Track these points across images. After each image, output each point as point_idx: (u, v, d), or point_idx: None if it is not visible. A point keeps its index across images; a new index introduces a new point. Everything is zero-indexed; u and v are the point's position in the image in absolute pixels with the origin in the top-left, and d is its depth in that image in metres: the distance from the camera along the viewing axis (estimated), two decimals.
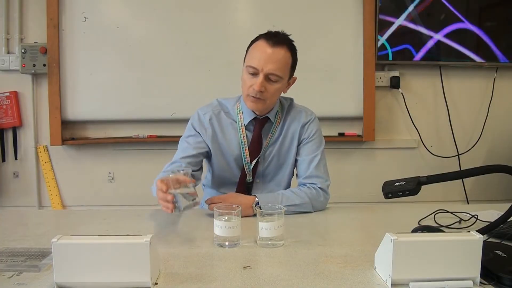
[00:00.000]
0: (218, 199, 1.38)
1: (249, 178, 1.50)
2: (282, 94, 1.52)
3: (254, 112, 1.45)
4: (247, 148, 1.47)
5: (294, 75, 1.47)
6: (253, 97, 1.37)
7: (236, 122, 1.48)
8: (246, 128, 1.47)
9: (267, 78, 1.35)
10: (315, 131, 1.51)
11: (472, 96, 2.80)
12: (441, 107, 2.78)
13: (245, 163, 1.48)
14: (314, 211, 1.42)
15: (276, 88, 1.38)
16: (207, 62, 2.56)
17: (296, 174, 1.55)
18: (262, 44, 1.35)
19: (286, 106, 1.53)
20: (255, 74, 1.35)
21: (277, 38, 1.36)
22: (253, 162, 1.47)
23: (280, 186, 1.53)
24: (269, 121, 1.48)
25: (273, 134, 1.49)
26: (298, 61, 1.46)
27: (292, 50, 1.40)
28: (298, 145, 1.51)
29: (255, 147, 1.48)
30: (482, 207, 1.42)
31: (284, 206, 1.12)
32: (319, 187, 1.45)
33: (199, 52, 2.55)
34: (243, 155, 1.47)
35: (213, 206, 1.21)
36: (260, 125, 1.47)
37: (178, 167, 1.39)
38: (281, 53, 1.35)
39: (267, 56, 1.33)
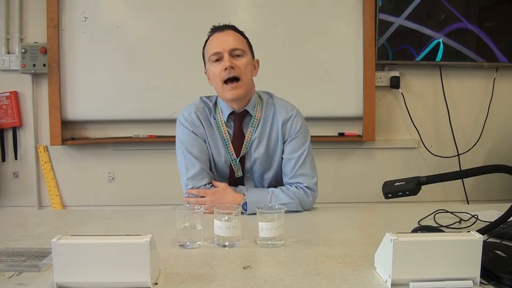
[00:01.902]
0: (205, 193, 1.40)
1: (238, 174, 1.50)
2: (262, 89, 1.53)
3: (231, 107, 1.46)
4: (231, 145, 1.47)
5: (256, 58, 1.50)
6: (229, 81, 1.38)
7: (216, 119, 1.48)
8: (226, 125, 1.47)
9: (232, 55, 1.39)
10: (298, 127, 1.48)
11: (472, 96, 2.80)
12: (441, 107, 2.78)
13: (232, 160, 1.48)
14: (304, 210, 1.43)
15: (244, 62, 1.41)
16: None
17: (282, 172, 1.52)
18: (213, 36, 1.45)
19: (266, 100, 1.52)
20: (219, 59, 1.40)
21: (222, 26, 1.46)
22: (238, 158, 1.47)
23: (271, 181, 1.53)
24: (248, 115, 1.48)
25: (254, 128, 1.48)
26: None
27: (240, 31, 1.47)
28: (284, 143, 1.50)
29: (238, 142, 1.48)
30: (482, 207, 1.42)
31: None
32: (306, 186, 1.44)
33: (199, 52, 2.53)
34: (228, 152, 1.47)
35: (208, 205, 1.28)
36: (239, 120, 1.47)
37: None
38: (233, 33, 1.44)
39: (223, 39, 1.41)
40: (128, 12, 2.61)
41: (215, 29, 1.46)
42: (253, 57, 1.49)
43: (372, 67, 2.64)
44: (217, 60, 1.40)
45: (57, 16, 2.53)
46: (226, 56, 1.38)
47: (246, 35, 1.49)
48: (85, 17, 2.56)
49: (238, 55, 1.41)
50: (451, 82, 2.78)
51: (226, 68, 1.37)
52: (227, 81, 1.39)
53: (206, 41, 1.48)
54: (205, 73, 1.50)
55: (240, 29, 1.49)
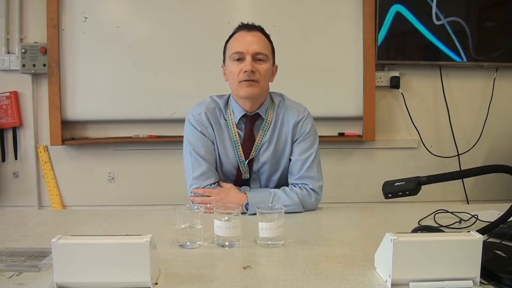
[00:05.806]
0: (210, 192, 1.40)
1: (245, 176, 1.50)
2: (271, 90, 1.52)
3: (244, 108, 1.45)
4: (240, 147, 1.46)
5: (276, 64, 1.49)
6: (246, 81, 1.37)
7: (227, 120, 1.47)
8: (237, 126, 1.46)
9: (254, 58, 1.38)
10: (309, 129, 1.48)
11: (472, 96, 2.80)
12: (441, 107, 2.78)
13: (240, 162, 1.47)
14: (305, 211, 1.42)
15: (265, 68, 1.40)
16: (207, 62, 2.56)
17: (288, 172, 1.52)
18: (240, 33, 1.42)
19: (277, 103, 1.51)
20: (241, 59, 1.39)
21: (251, 26, 1.44)
22: (247, 161, 1.47)
23: (278, 182, 1.53)
24: (259, 118, 1.47)
25: (264, 131, 1.47)
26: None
27: (267, 35, 1.47)
28: (293, 143, 1.49)
29: (248, 145, 1.47)
30: (482, 207, 1.42)
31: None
32: (311, 188, 1.44)
33: (199, 52, 2.55)
34: (237, 154, 1.47)
35: (209, 204, 1.30)
36: (250, 122, 1.47)
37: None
38: (259, 35, 1.42)
39: (249, 40, 1.39)
40: (128, 12, 2.61)
41: (242, 27, 1.43)
42: (274, 62, 1.48)
43: (372, 67, 2.64)
44: (238, 59, 1.39)
45: (57, 16, 2.53)
46: (248, 58, 1.37)
47: (271, 39, 1.47)
48: (85, 17, 2.56)
49: (260, 59, 1.39)
50: (451, 82, 2.78)
51: (246, 71, 1.36)
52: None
53: (230, 36, 1.46)
54: (222, 67, 1.49)
55: None
